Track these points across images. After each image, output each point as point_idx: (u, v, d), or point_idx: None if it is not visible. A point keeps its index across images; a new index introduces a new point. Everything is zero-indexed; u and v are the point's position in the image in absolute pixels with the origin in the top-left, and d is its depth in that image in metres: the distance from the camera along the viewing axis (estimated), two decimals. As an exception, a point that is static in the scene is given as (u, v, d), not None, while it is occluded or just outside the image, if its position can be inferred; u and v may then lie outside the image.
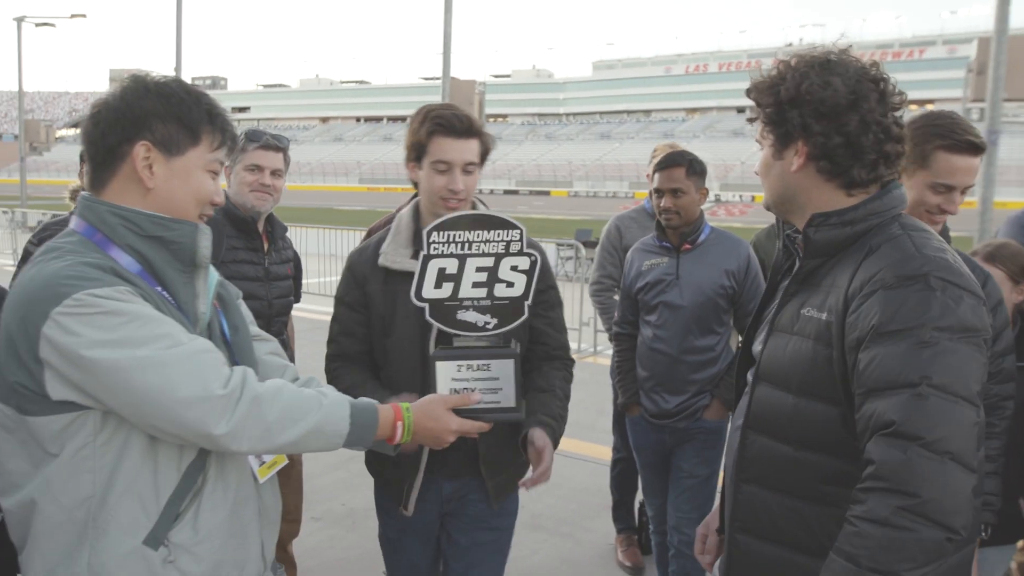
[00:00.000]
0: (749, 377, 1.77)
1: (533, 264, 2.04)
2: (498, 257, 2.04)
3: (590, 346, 9.07)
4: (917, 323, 1.42)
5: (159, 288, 1.66)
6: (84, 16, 30.93)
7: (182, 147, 1.66)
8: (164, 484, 1.63)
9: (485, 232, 2.04)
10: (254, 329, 1.99)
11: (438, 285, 2.02)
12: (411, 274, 2.19)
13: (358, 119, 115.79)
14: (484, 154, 2.41)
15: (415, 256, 2.24)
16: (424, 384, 2.18)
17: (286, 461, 1.91)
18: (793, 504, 1.61)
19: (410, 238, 2.38)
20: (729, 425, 2.03)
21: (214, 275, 1.81)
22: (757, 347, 1.76)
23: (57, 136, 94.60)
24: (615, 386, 3.68)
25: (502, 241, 2.03)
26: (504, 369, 2.00)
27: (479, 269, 2.03)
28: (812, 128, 1.61)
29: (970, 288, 1.48)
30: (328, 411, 1.67)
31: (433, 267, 2.02)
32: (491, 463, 2.37)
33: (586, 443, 5.56)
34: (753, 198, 54.02)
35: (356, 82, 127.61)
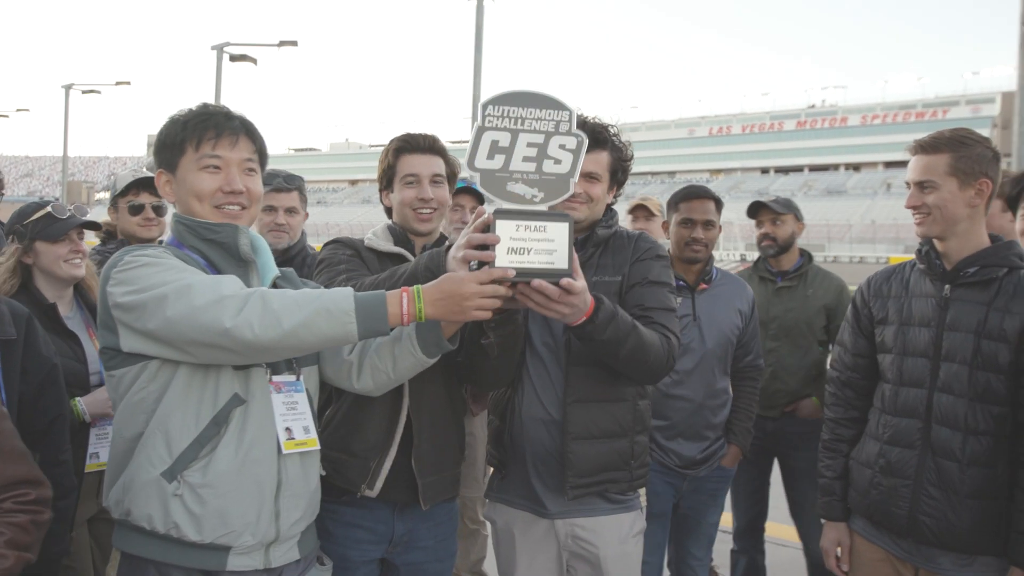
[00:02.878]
0: (544, 338, 2.52)
1: (580, 144, 2.11)
2: (548, 135, 2.09)
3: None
4: (667, 281, 2.54)
5: None
6: (129, 83, 32.23)
7: (174, 162, 2.05)
8: (188, 430, 1.91)
9: (538, 110, 2.08)
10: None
11: (490, 156, 2.07)
12: (397, 256, 2.48)
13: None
14: (451, 176, 2.60)
15: (396, 244, 2.50)
16: None
17: (316, 447, 2.07)
18: (606, 407, 2.48)
19: (387, 235, 2.56)
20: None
21: (271, 272, 2.10)
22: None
23: (96, 198, 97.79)
24: None
25: (553, 120, 2.09)
26: (559, 232, 2.03)
27: (530, 144, 2.08)
28: (628, 171, 2.65)
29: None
30: (331, 296, 1.82)
31: (487, 139, 2.06)
32: (423, 460, 2.43)
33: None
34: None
35: (384, 146, 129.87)
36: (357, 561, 2.41)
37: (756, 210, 4.09)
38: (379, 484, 2.39)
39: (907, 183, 2.51)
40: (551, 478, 2.52)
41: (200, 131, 2.00)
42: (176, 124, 2.03)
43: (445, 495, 2.55)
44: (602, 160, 2.50)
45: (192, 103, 2.12)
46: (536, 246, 2.02)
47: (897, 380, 2.49)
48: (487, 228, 2.01)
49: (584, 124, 2.39)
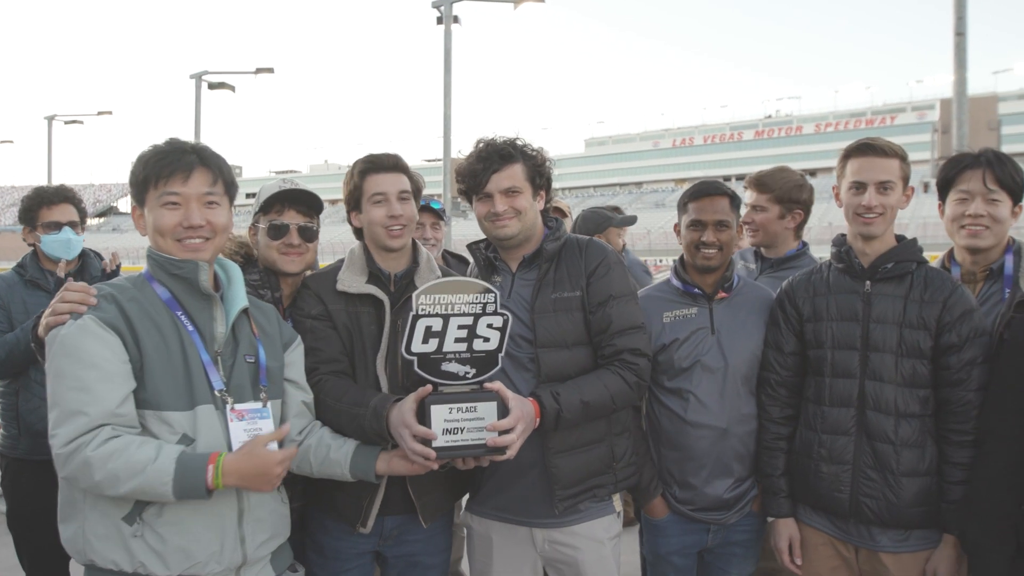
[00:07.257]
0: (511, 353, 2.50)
1: (506, 322, 2.30)
2: (476, 316, 2.26)
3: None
4: (629, 290, 2.61)
5: (179, 313, 2.08)
6: (110, 113, 32.38)
7: (142, 198, 2.12)
8: None
9: (466, 295, 2.25)
10: (296, 374, 2.30)
11: (425, 341, 2.23)
12: (368, 296, 2.51)
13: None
14: (416, 192, 2.66)
15: (369, 281, 2.53)
16: (379, 389, 2.45)
17: None
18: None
19: (363, 267, 2.58)
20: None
21: (237, 304, 2.17)
22: (520, 330, 2.53)
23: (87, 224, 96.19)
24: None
25: (480, 303, 2.28)
26: (488, 410, 2.24)
27: (460, 327, 2.25)
28: (547, 174, 2.66)
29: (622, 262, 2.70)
30: (151, 476, 1.88)
31: (421, 325, 2.23)
32: (417, 483, 2.49)
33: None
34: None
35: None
36: (349, 553, 2.52)
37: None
38: (371, 522, 2.48)
39: (860, 182, 2.54)
40: (533, 491, 2.54)
41: (158, 169, 2.05)
42: (140, 162, 2.09)
43: (444, 508, 2.62)
44: (516, 173, 2.54)
45: (169, 133, 2.14)
46: (468, 425, 2.20)
47: (829, 372, 2.58)
48: (422, 406, 2.21)
49: (491, 144, 2.55)
